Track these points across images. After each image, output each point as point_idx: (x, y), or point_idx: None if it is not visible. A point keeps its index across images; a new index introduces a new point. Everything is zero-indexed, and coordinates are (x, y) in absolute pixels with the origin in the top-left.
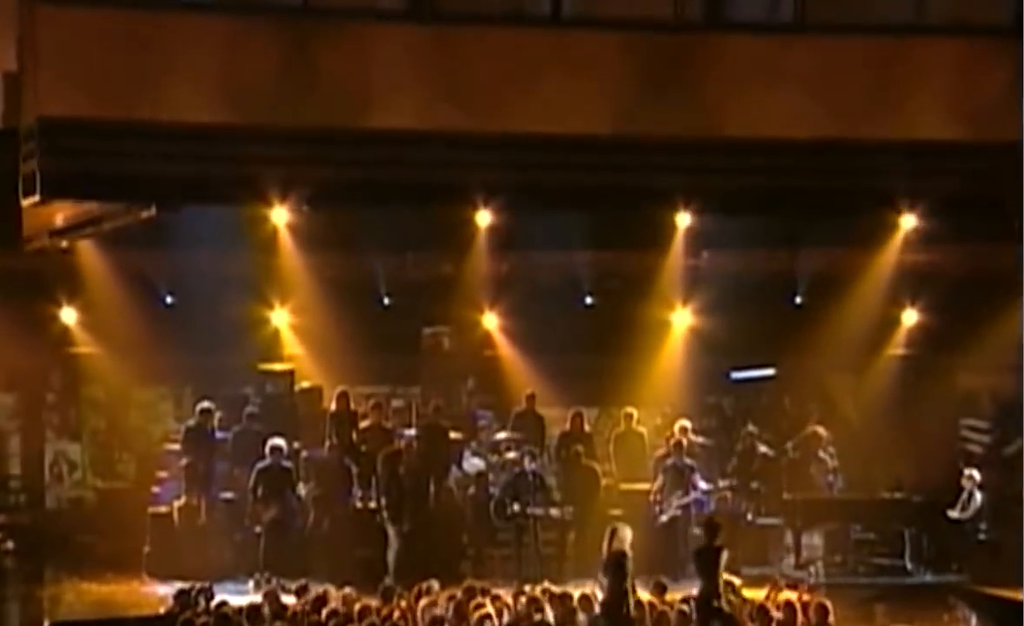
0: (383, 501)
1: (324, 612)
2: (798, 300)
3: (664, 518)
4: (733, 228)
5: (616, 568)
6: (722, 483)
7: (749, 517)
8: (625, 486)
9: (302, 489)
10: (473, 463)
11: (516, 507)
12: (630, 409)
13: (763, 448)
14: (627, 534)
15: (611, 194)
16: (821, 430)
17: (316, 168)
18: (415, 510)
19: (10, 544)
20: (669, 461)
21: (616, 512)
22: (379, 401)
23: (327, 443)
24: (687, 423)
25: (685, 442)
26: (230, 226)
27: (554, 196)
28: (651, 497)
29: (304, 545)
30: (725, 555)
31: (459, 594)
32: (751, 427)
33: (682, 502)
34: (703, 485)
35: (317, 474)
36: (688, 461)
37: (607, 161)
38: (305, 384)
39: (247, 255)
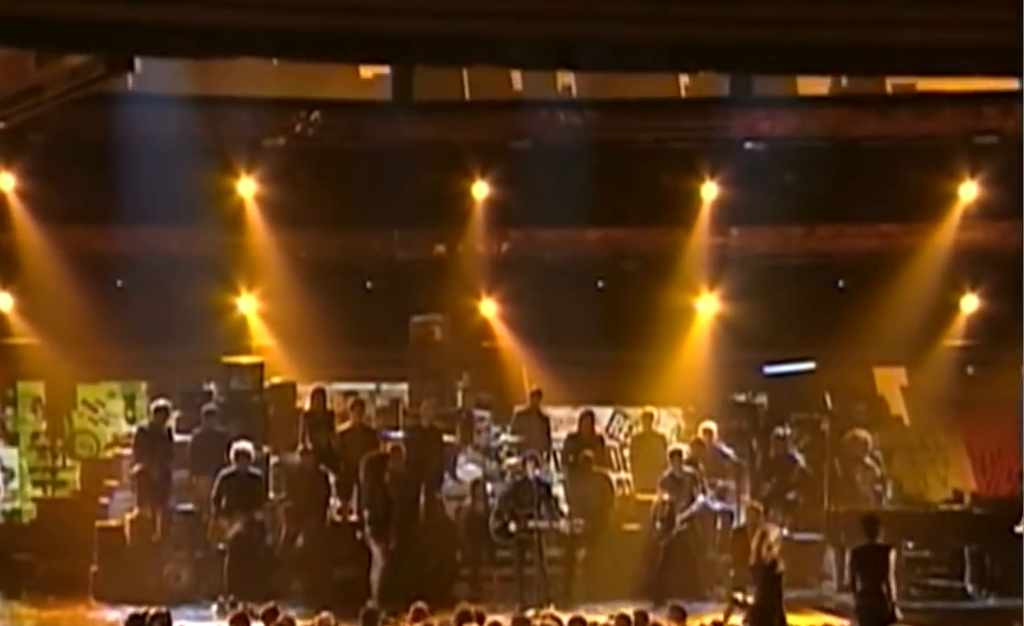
0: (366, 513)
1: None
2: (841, 283)
3: (672, 534)
4: (766, 201)
5: (767, 576)
6: (722, 483)
7: (785, 532)
8: (643, 496)
9: (272, 500)
10: (469, 470)
11: (518, 520)
12: (649, 408)
13: (795, 454)
14: (777, 536)
15: (639, 50)
16: (862, 434)
17: (282, 15)
18: (402, 524)
19: None
20: (667, 473)
21: (632, 526)
22: (361, 399)
23: (301, 447)
24: (712, 425)
25: (685, 449)
26: (190, 197)
27: (565, 49)
28: (651, 513)
29: (274, 564)
30: (893, 555)
31: (452, 620)
32: (782, 430)
33: (684, 515)
34: (701, 498)
35: (289, 482)
36: (689, 470)
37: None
38: (276, 380)
39: (210, 232)
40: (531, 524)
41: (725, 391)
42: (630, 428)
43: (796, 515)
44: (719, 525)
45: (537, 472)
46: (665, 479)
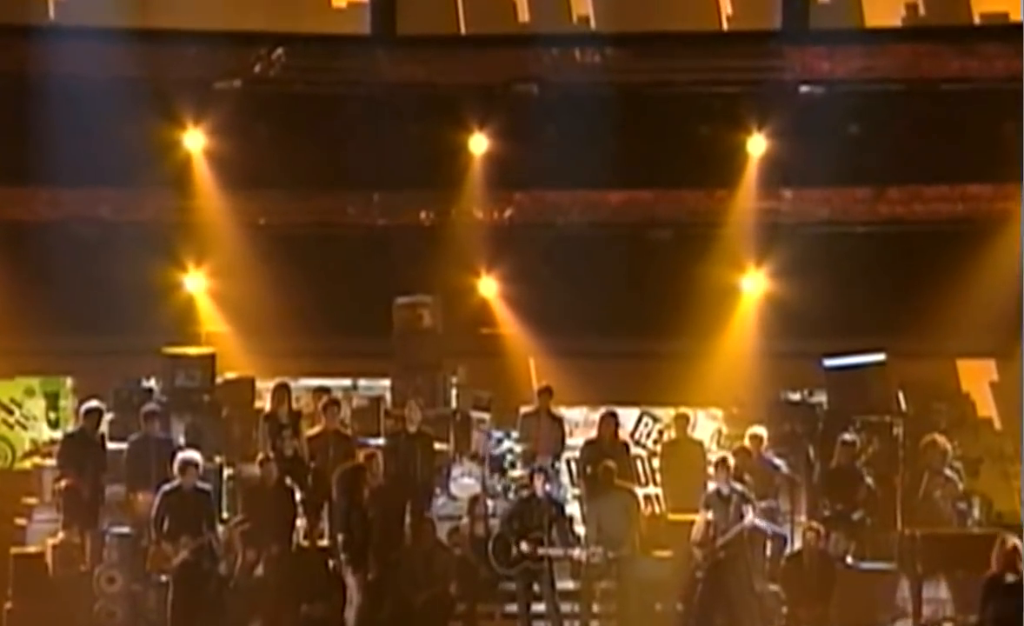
0: (340, 537)
1: None
2: (916, 257)
3: (712, 563)
4: (826, 157)
5: (1007, 592)
6: (772, 501)
7: (849, 560)
8: (676, 516)
9: (226, 520)
10: (465, 484)
11: (524, 545)
12: (684, 409)
13: (861, 466)
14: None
15: None
16: (942, 440)
17: None
18: (384, 550)
19: None
20: (712, 488)
21: (664, 553)
22: (334, 398)
23: (261, 456)
24: (760, 430)
25: (732, 460)
26: (126, 152)
27: None
28: (693, 537)
29: (229, 598)
30: None
31: None
32: (850, 436)
33: (725, 539)
34: (751, 517)
35: (247, 499)
36: (738, 487)
37: None
38: (231, 375)
39: (149, 194)
40: (540, 550)
41: (776, 388)
42: (660, 433)
43: (863, 539)
44: (769, 551)
45: (548, 487)
46: (709, 496)
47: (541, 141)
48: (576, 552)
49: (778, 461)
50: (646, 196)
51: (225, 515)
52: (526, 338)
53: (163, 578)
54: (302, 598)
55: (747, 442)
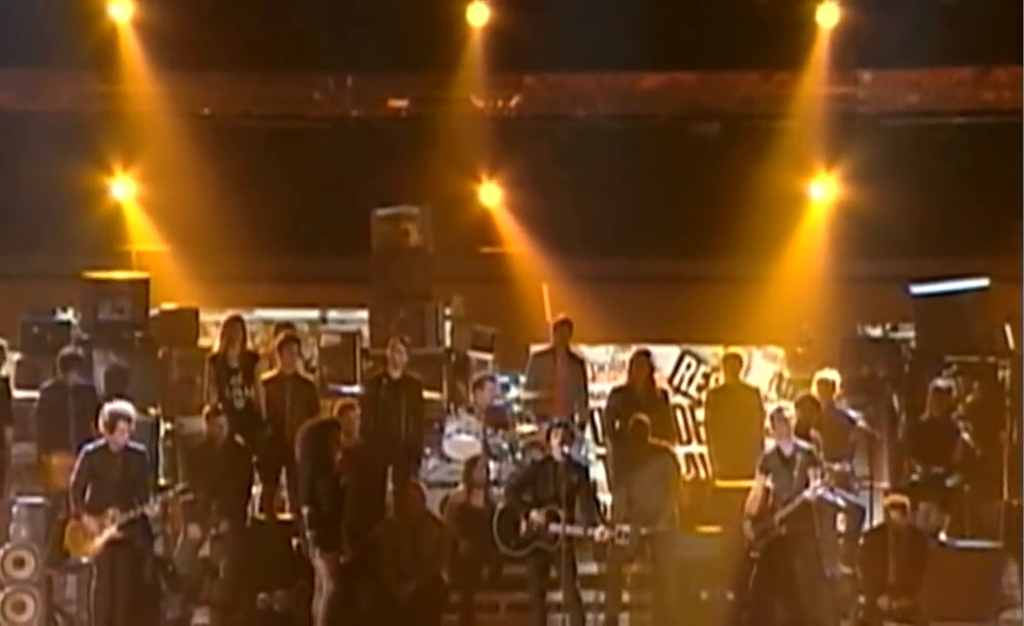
0: (305, 510)
1: None
2: None
3: (767, 538)
4: (913, 30)
5: None
6: (846, 464)
7: (943, 537)
8: (725, 483)
9: (164, 488)
10: (462, 443)
11: (537, 519)
12: (736, 349)
13: (958, 418)
14: None
15: None
16: None
17: None
18: (361, 526)
19: None
20: (770, 447)
21: (710, 528)
22: (292, 334)
23: (207, 408)
24: (832, 375)
25: (796, 413)
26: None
27: None
28: (747, 509)
29: (167, 584)
30: None
31: None
32: (943, 381)
33: (785, 512)
34: (816, 484)
35: (191, 462)
36: (803, 445)
37: None
38: (168, 305)
39: (65, 77)
40: (555, 527)
41: (851, 322)
42: (706, 378)
43: (960, 510)
44: (843, 526)
45: (566, 447)
46: (768, 457)
47: (556, 10)
48: (601, 529)
49: (854, 413)
50: (688, 80)
51: (163, 482)
52: (538, 259)
53: (85, 560)
54: (259, 585)
55: (815, 389)
